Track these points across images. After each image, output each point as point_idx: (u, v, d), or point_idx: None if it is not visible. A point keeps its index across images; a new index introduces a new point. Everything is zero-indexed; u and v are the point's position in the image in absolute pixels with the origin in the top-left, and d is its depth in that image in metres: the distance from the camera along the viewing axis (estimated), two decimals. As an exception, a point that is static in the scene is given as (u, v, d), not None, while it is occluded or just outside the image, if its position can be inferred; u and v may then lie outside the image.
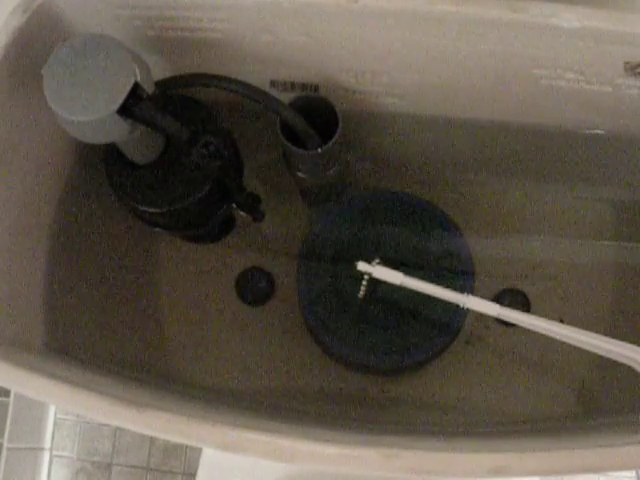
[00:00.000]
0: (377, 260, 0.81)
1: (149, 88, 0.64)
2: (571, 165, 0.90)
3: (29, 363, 0.61)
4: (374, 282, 0.84)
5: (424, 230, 0.89)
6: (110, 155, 0.76)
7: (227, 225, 0.95)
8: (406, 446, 0.55)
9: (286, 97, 0.77)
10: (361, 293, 0.85)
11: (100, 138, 0.65)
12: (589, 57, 0.71)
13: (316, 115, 0.77)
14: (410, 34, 0.70)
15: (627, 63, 0.70)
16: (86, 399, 0.56)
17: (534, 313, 0.78)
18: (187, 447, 1.51)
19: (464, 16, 0.67)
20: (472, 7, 0.66)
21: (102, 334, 0.85)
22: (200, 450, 1.48)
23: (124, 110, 0.62)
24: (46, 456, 1.52)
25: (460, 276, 0.86)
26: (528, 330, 0.76)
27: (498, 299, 0.92)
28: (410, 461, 0.53)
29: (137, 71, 0.63)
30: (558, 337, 0.72)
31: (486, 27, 0.68)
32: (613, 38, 0.67)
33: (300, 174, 0.82)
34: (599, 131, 0.83)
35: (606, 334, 0.71)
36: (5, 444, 1.39)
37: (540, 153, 0.88)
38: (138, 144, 0.71)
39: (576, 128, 0.83)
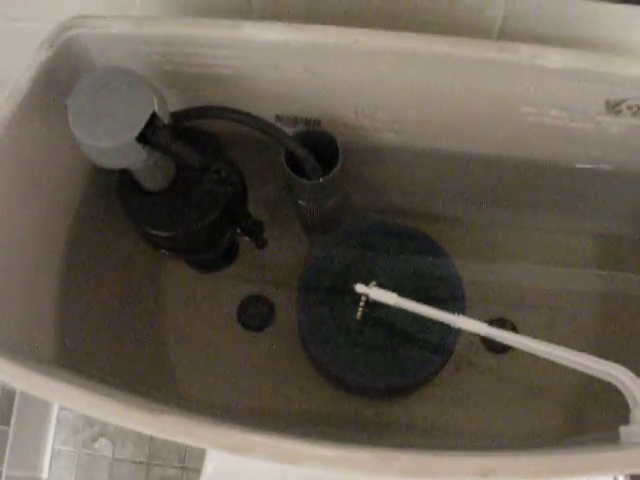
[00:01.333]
0: (374, 283, 0.85)
1: (165, 118, 0.69)
2: (557, 197, 0.94)
3: (46, 370, 0.63)
4: (371, 307, 0.87)
5: (418, 259, 0.92)
6: (124, 182, 0.80)
7: (230, 254, 0.99)
8: (401, 451, 0.58)
9: (290, 131, 0.82)
10: (359, 315, 0.88)
11: (119, 163, 0.69)
12: (572, 96, 0.75)
13: (318, 147, 0.81)
14: (407, 73, 0.75)
15: (608, 102, 0.75)
16: (102, 402, 0.59)
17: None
18: (183, 479, 1.52)
19: (455, 56, 0.72)
20: (464, 48, 0.71)
21: (110, 352, 0.88)
22: (196, 476, 1.50)
23: (142, 137, 0.67)
24: (44, 486, 1.53)
25: (451, 302, 0.89)
26: (516, 357, 0.78)
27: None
28: (402, 464, 0.56)
29: (155, 102, 0.67)
30: (544, 355, 0.74)
31: (477, 67, 0.73)
32: (594, 78, 0.72)
33: (302, 202, 0.86)
34: (583, 165, 0.86)
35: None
36: (5, 472, 1.40)
37: (527, 186, 0.92)
38: (152, 171, 0.76)
39: (561, 162, 0.87)
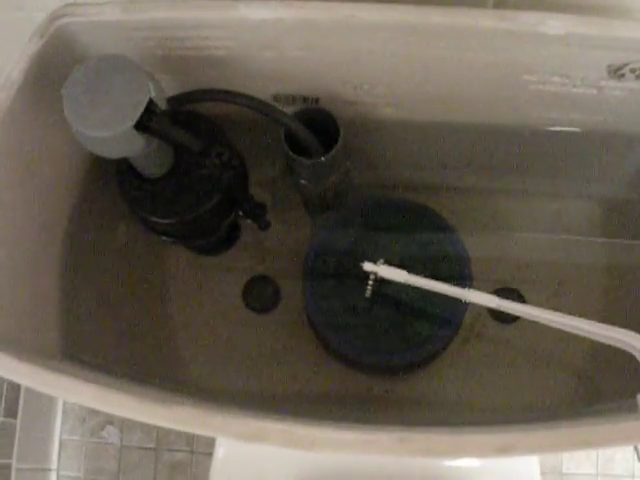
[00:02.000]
0: (382, 260, 0.84)
1: (162, 104, 0.68)
2: (560, 164, 0.93)
3: (55, 366, 0.63)
4: (377, 284, 0.87)
5: (422, 233, 0.92)
6: (122, 170, 0.79)
7: (232, 237, 0.98)
8: (420, 431, 0.57)
9: (288, 110, 0.81)
10: (368, 293, 0.88)
11: (117, 152, 0.68)
12: (574, 62, 0.74)
13: (318, 126, 0.80)
14: (404, 46, 0.74)
15: (610, 66, 0.74)
16: (114, 397, 0.58)
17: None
18: (192, 462, 1.52)
19: (455, 27, 0.70)
20: (463, 18, 0.70)
21: (115, 341, 0.88)
22: (205, 465, 1.50)
23: (140, 125, 0.65)
24: (53, 476, 1.53)
25: (458, 275, 0.89)
26: (524, 328, 0.78)
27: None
28: (423, 443, 0.55)
29: (151, 88, 0.66)
30: (557, 325, 0.74)
31: (476, 37, 0.71)
32: (596, 43, 0.71)
33: (303, 181, 0.85)
34: (585, 130, 0.86)
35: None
36: (14, 465, 1.40)
37: (530, 153, 0.91)
38: (150, 159, 0.75)
39: (564, 128, 0.86)
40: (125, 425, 1.55)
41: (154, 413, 0.57)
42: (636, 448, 0.61)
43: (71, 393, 0.59)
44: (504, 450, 0.55)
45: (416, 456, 0.56)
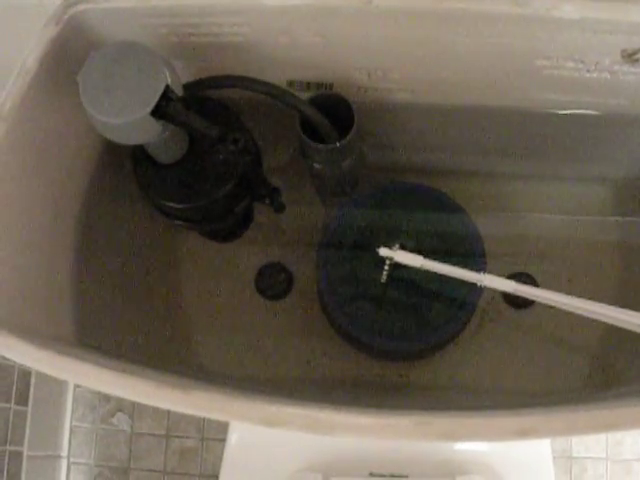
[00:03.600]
0: (397, 246, 0.85)
1: (178, 90, 0.68)
2: (571, 146, 0.93)
3: (71, 352, 0.63)
4: (392, 269, 0.87)
5: (435, 217, 0.92)
6: (137, 155, 0.80)
7: (245, 222, 0.99)
8: (437, 414, 0.58)
9: (303, 96, 0.81)
10: (384, 278, 0.88)
11: (134, 139, 0.69)
12: (588, 46, 0.74)
13: (332, 111, 0.81)
14: (420, 32, 0.74)
15: (624, 50, 0.74)
16: (132, 383, 0.58)
17: (543, 293, 0.80)
18: (202, 449, 1.53)
19: (471, 12, 0.70)
20: (478, 3, 0.70)
21: (128, 326, 0.88)
22: (215, 451, 1.51)
23: (157, 111, 0.66)
24: (64, 463, 1.54)
25: (473, 258, 0.89)
26: (538, 311, 0.78)
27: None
28: (441, 427, 0.56)
29: (168, 74, 0.66)
30: (571, 309, 0.74)
31: (492, 22, 0.72)
32: (610, 27, 0.71)
33: (317, 165, 0.85)
34: (597, 112, 0.86)
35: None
36: (25, 452, 1.40)
37: (542, 135, 0.91)
38: (166, 144, 0.75)
39: (577, 111, 0.86)
40: (135, 412, 1.56)
41: (173, 399, 0.57)
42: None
43: (89, 379, 0.59)
44: (524, 433, 0.55)
45: (434, 440, 0.56)
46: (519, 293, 0.77)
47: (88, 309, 0.80)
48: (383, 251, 0.84)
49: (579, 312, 0.74)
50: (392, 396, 0.95)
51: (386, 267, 0.87)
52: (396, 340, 0.88)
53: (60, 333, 0.74)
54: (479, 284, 0.79)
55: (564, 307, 0.75)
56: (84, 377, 0.59)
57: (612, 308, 0.72)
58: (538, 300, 0.78)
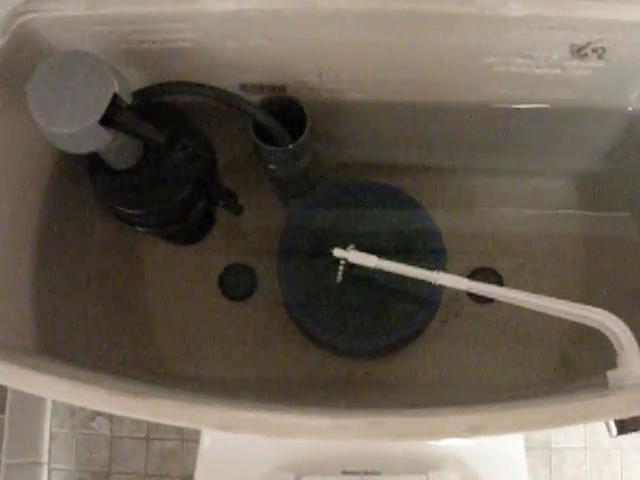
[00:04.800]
0: (352, 246, 0.85)
1: (127, 99, 0.68)
2: (530, 140, 0.94)
3: (27, 362, 0.63)
4: (352, 268, 0.87)
5: (394, 215, 0.92)
6: (93, 163, 0.80)
7: (206, 225, 0.99)
8: (390, 414, 0.58)
9: (256, 99, 0.82)
10: (339, 278, 0.89)
11: (84, 148, 0.69)
12: (537, 43, 0.75)
13: (285, 113, 0.81)
14: (367, 33, 0.74)
15: (572, 46, 0.74)
16: (87, 391, 0.58)
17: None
18: (183, 450, 1.52)
19: (417, 13, 0.71)
20: (423, 4, 0.70)
21: (92, 334, 0.88)
22: (196, 452, 1.51)
23: (105, 120, 0.66)
24: (44, 470, 1.53)
25: (432, 255, 0.89)
26: (502, 306, 0.78)
27: (470, 278, 0.94)
28: (393, 427, 0.56)
29: (116, 83, 0.66)
30: (527, 305, 0.75)
31: (437, 22, 0.72)
32: (557, 24, 0.71)
33: (272, 166, 0.86)
34: (552, 106, 0.86)
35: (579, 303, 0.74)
36: (3, 460, 1.40)
37: (498, 130, 0.92)
38: (119, 151, 0.75)
39: (530, 105, 0.86)
40: (115, 416, 1.55)
41: (126, 405, 0.58)
42: (607, 423, 0.61)
43: (43, 389, 0.60)
44: (475, 430, 0.56)
45: (387, 440, 0.56)
46: (473, 290, 0.78)
47: (50, 318, 0.80)
48: (337, 252, 0.84)
49: (534, 308, 0.74)
50: (359, 394, 0.95)
51: (340, 267, 0.87)
52: (358, 338, 0.89)
53: (21, 342, 0.74)
54: (433, 282, 0.80)
55: (519, 303, 0.75)
56: (37, 387, 0.60)
57: (565, 303, 0.72)
58: (492, 297, 0.78)
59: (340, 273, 0.88)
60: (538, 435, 1.47)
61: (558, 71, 0.78)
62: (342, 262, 0.87)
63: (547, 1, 0.71)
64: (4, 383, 0.60)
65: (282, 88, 0.84)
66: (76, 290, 0.88)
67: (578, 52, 0.75)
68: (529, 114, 0.88)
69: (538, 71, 0.79)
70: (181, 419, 0.58)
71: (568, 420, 0.56)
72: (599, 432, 1.48)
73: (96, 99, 0.66)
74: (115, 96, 0.66)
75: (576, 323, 0.73)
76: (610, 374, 0.65)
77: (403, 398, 0.93)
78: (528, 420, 0.56)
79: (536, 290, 0.77)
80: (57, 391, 0.59)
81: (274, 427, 0.57)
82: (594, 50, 0.74)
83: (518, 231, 0.99)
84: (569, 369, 0.93)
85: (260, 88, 0.84)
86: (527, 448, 1.33)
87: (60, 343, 0.79)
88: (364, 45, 0.76)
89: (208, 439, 0.94)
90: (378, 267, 0.82)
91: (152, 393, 0.59)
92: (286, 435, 0.57)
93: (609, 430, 0.61)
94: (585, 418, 0.56)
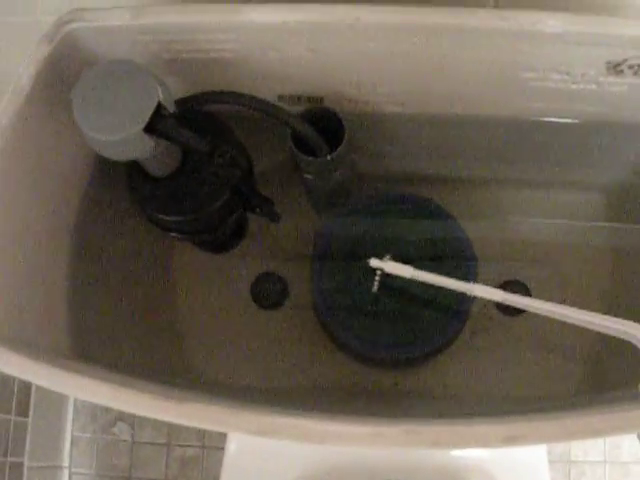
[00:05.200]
0: (388, 256, 0.86)
1: (170, 107, 0.69)
2: (561, 153, 0.94)
3: (68, 366, 0.64)
4: (386, 277, 0.88)
5: (427, 226, 0.93)
6: (131, 169, 0.80)
7: (239, 233, 1.00)
8: (426, 423, 0.59)
9: (294, 109, 0.82)
10: (375, 288, 0.89)
11: (127, 155, 0.69)
12: (573, 59, 0.76)
13: (322, 124, 0.82)
14: (406, 46, 0.75)
15: (609, 63, 0.75)
16: (127, 396, 0.59)
17: (535, 300, 0.81)
18: (203, 457, 1.53)
19: (456, 27, 0.72)
20: (463, 18, 0.71)
21: (125, 339, 0.89)
22: (216, 459, 1.51)
23: (149, 128, 0.66)
24: (65, 474, 1.54)
25: (464, 267, 0.90)
26: (530, 318, 0.79)
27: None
28: (430, 435, 0.57)
29: (159, 91, 0.67)
30: (560, 317, 0.75)
31: (477, 36, 0.73)
32: (594, 40, 0.72)
33: (309, 176, 0.87)
34: (586, 121, 0.87)
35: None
36: (26, 463, 1.40)
37: (532, 143, 0.92)
38: (159, 159, 0.76)
39: (565, 119, 0.87)
40: (136, 421, 1.56)
41: (167, 410, 0.58)
42: (639, 436, 0.62)
43: (86, 392, 0.60)
44: (510, 440, 0.56)
45: (422, 447, 0.57)
46: (508, 302, 0.78)
47: (84, 322, 0.80)
48: (373, 262, 0.85)
49: (565, 319, 0.75)
50: (387, 404, 0.95)
51: (377, 277, 0.88)
52: (389, 349, 0.89)
53: (57, 346, 0.75)
54: (469, 294, 0.80)
55: (550, 314, 0.76)
56: (81, 390, 0.60)
57: (596, 315, 0.73)
58: (525, 308, 0.79)
59: (376, 283, 0.88)
60: (558, 448, 1.47)
61: (594, 87, 0.79)
62: (378, 272, 0.87)
63: (582, 18, 0.71)
64: (44, 385, 0.60)
65: (320, 99, 0.85)
66: (110, 294, 0.88)
67: (614, 68, 0.75)
68: (561, 128, 0.88)
69: (574, 87, 0.79)
70: (221, 424, 0.58)
71: (603, 431, 0.57)
72: (619, 446, 1.48)
73: (140, 107, 0.66)
74: (159, 104, 0.67)
75: (606, 336, 0.73)
76: (642, 387, 0.66)
77: (431, 409, 0.93)
78: (565, 430, 0.57)
79: (564, 303, 0.77)
80: (100, 395, 0.60)
81: (313, 433, 0.57)
82: (630, 67, 0.75)
83: (547, 243, 0.99)
84: (598, 380, 0.93)
85: (298, 99, 0.85)
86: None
87: (94, 347, 0.80)
88: (402, 58, 0.77)
89: (233, 446, 0.95)
90: (414, 277, 0.83)
91: (192, 398, 0.60)
92: (324, 442, 0.57)
93: (641, 442, 0.62)
94: (622, 429, 0.57)
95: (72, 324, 0.78)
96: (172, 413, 0.58)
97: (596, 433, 0.57)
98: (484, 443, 0.59)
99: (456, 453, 0.93)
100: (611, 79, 0.78)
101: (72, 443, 1.56)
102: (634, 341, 0.69)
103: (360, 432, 0.57)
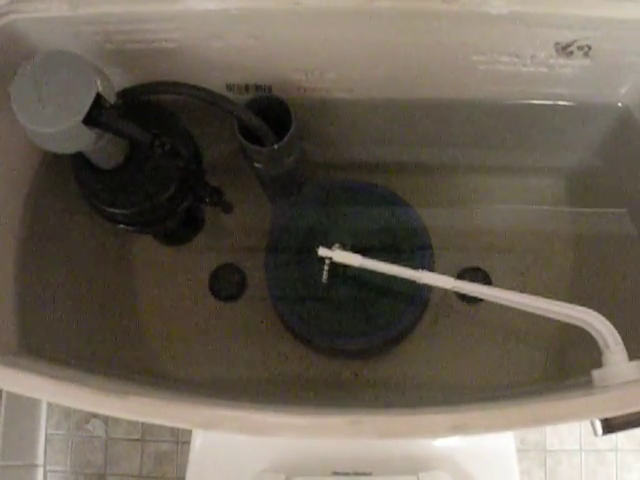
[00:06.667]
0: (337, 245, 0.85)
1: (111, 98, 0.68)
2: (518, 136, 0.93)
3: (9, 362, 0.64)
4: (338, 267, 0.87)
5: (381, 214, 0.92)
6: (77, 162, 0.79)
7: (195, 225, 0.99)
8: (370, 413, 0.58)
9: (242, 98, 0.81)
10: (324, 278, 0.88)
11: (68, 148, 0.68)
12: (522, 41, 0.75)
13: (271, 112, 0.81)
14: (351, 31, 0.74)
15: (557, 44, 0.74)
16: (69, 390, 0.59)
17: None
18: (177, 452, 1.52)
19: (399, 11, 0.71)
20: (407, 2, 0.70)
21: (79, 334, 0.88)
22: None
23: (89, 119, 0.66)
24: (40, 472, 1.53)
25: (419, 253, 0.89)
26: (491, 306, 0.78)
27: (459, 278, 0.93)
28: (374, 425, 0.56)
29: (99, 82, 0.66)
30: (515, 305, 0.75)
31: (421, 20, 0.72)
32: (541, 21, 0.71)
33: (259, 165, 0.86)
34: (540, 102, 0.86)
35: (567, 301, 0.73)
36: (0, 462, 1.40)
37: (486, 127, 0.92)
38: (104, 151, 0.75)
39: (518, 101, 0.86)
40: (110, 417, 1.56)
41: (109, 405, 0.58)
42: (592, 422, 0.61)
43: (27, 388, 0.60)
44: (456, 429, 0.56)
45: (369, 438, 0.56)
46: (457, 289, 0.78)
47: (34, 317, 0.80)
48: (321, 251, 0.84)
49: (521, 307, 0.74)
50: (348, 395, 0.95)
51: (325, 267, 0.87)
52: (344, 338, 0.89)
53: (4, 342, 0.74)
54: (418, 281, 0.80)
55: (505, 302, 0.75)
56: (20, 386, 0.60)
57: (552, 302, 0.72)
58: (479, 296, 0.78)
59: (325, 272, 0.88)
60: (533, 437, 1.47)
61: (545, 70, 0.78)
62: (327, 261, 0.86)
63: (529, -1, 0.71)
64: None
65: (268, 88, 0.84)
66: (63, 290, 0.87)
67: (564, 50, 0.75)
68: (517, 111, 0.88)
69: (525, 69, 0.79)
70: (163, 417, 0.58)
71: (552, 419, 0.57)
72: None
73: (79, 99, 0.65)
74: (98, 95, 0.66)
75: (565, 323, 0.73)
76: (595, 373, 0.65)
77: (393, 399, 0.93)
78: (509, 419, 0.56)
79: (525, 289, 0.77)
80: (40, 390, 0.59)
81: (255, 425, 0.57)
82: (580, 48, 0.74)
83: (507, 229, 0.99)
84: (558, 369, 0.92)
85: (246, 88, 0.84)
86: (522, 450, 1.33)
87: (44, 343, 0.79)
88: (348, 43, 0.76)
89: (199, 440, 0.94)
90: (362, 266, 0.82)
91: (135, 392, 0.59)
92: (267, 434, 0.57)
93: (594, 429, 0.61)
94: (570, 417, 0.56)
95: (21, 320, 0.78)
96: (114, 407, 0.58)
97: (539, 421, 0.56)
98: (431, 433, 0.59)
99: (422, 443, 0.92)
100: (561, 61, 0.77)
101: (46, 441, 1.56)
102: (586, 326, 0.68)
103: (303, 423, 0.57)
